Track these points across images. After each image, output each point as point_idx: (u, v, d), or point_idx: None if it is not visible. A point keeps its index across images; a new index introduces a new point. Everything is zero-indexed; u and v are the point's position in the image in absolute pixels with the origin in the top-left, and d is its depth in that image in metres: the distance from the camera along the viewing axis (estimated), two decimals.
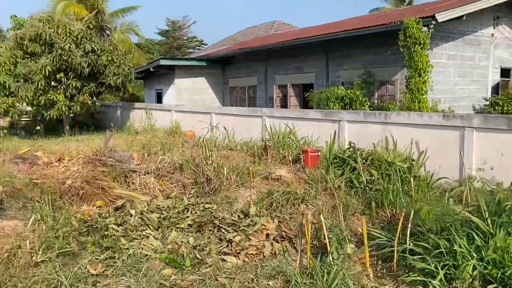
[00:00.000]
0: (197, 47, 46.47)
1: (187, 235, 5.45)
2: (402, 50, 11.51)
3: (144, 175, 9.55)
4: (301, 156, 8.37)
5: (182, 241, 5.18)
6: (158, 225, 5.70)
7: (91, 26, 15.55)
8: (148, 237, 5.43)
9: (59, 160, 10.39)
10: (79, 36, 14.41)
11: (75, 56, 14.05)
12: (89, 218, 6.38)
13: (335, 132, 8.15)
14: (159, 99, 22.72)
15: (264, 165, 9.24)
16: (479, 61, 14.32)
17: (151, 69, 20.32)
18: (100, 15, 24.55)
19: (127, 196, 8.42)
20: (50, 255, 4.40)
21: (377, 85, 14.16)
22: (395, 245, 4.37)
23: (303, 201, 6.28)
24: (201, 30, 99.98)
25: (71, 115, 16.06)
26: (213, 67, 21.52)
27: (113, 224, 5.87)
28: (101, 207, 7.88)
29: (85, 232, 5.72)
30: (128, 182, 9.29)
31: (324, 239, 4.67)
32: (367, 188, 6.38)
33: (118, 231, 5.69)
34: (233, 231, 5.47)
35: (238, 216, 6.28)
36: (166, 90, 21.65)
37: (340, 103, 13.32)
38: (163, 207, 6.89)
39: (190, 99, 20.77)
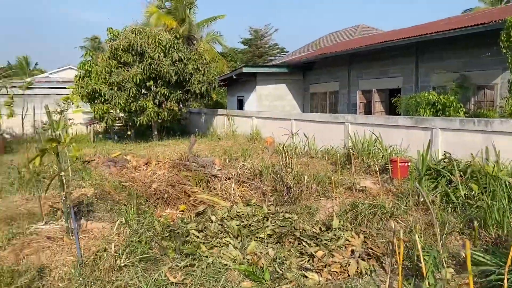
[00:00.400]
0: (278, 55, 46.74)
1: (267, 246, 5.25)
2: (504, 51, 10.34)
3: (225, 180, 9.61)
4: (389, 166, 7.80)
5: (261, 252, 4.99)
6: (237, 233, 5.58)
7: (178, 36, 16.17)
8: (227, 245, 5.33)
9: (146, 164, 10.86)
10: (167, 46, 15.08)
11: (164, 64, 14.70)
12: (171, 222, 6.47)
13: (429, 141, 7.48)
14: (240, 106, 23.07)
15: (347, 174, 8.80)
16: None
17: (234, 77, 20.70)
18: (188, 26, 25.61)
19: (208, 201, 8.50)
20: (133, 259, 4.44)
21: (473, 90, 12.94)
22: (505, 273, 3.75)
23: (392, 216, 5.78)
24: (283, 37, 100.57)
25: (159, 121, 16.83)
26: (294, 73, 21.36)
27: (194, 230, 5.87)
28: (183, 211, 8.02)
29: (167, 236, 5.78)
30: (210, 187, 9.40)
31: (418, 260, 4.18)
32: (465, 204, 5.69)
33: (198, 237, 5.67)
34: (314, 244, 5.16)
35: (320, 228, 5.95)
36: (248, 97, 21.91)
37: (432, 110, 12.36)
38: (243, 215, 6.78)
39: (270, 105, 20.80)
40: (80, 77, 15.52)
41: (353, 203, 6.34)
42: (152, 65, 14.71)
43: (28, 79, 27.23)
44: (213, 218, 6.36)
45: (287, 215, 6.51)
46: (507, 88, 10.66)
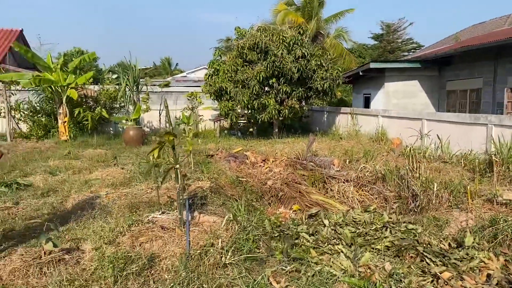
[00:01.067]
0: (412, 50, 43.65)
1: (383, 259, 4.68)
2: None
3: (343, 182, 9.12)
4: None
5: (376, 266, 4.45)
6: (351, 242, 5.11)
7: (302, 32, 15.97)
8: (339, 253, 4.91)
9: (264, 160, 10.90)
10: (291, 42, 15.01)
11: (286, 62, 14.66)
12: (282, 222, 6.27)
13: None
14: (366, 104, 22.01)
15: (487, 184, 7.58)
16: None
17: (360, 73, 19.80)
18: (316, 22, 25.34)
19: (323, 203, 8.13)
20: (239, 257, 4.32)
21: None
22: None
23: None
24: (419, 31, 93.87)
25: (280, 118, 16.91)
26: (428, 69, 19.54)
27: (305, 232, 5.57)
28: (297, 211, 7.79)
29: (276, 236, 5.59)
30: (326, 189, 9.00)
31: None
32: None
33: (309, 241, 5.35)
34: (440, 263, 4.43)
35: (449, 244, 5.14)
36: (375, 95, 20.77)
37: None
38: (360, 221, 6.25)
39: (399, 104, 19.39)
40: (209, 75, 16.36)
41: (493, 218, 5.35)
42: (275, 62, 14.77)
43: (169, 79, 29.99)
44: (326, 222, 5.97)
45: (410, 226, 5.80)
46: None
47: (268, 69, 14.82)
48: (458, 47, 17.26)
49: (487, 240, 5.04)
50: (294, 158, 10.88)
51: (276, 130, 17.28)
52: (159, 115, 19.73)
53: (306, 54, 15.13)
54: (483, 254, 4.65)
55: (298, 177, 9.43)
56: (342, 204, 8.43)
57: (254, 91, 14.80)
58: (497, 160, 7.84)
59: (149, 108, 17.50)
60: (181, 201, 4.81)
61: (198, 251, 4.27)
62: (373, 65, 18.53)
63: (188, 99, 18.82)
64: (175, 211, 5.42)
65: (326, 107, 20.61)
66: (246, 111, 16.71)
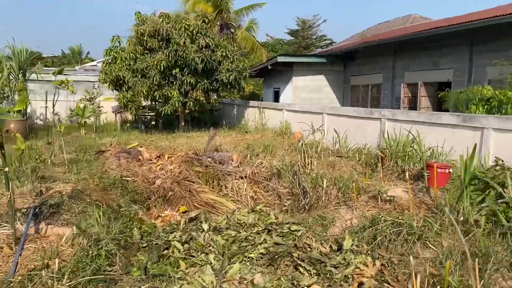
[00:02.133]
0: (325, 47, 44.97)
1: (255, 270, 4.20)
2: None
3: (239, 179, 8.65)
4: (425, 173, 6.47)
5: (244, 279, 3.95)
6: (222, 250, 4.57)
7: (207, 21, 15.26)
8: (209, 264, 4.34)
9: (159, 157, 10.08)
10: (194, 31, 14.24)
11: (190, 51, 13.88)
12: (155, 229, 5.57)
13: (476, 144, 6.10)
14: (276, 98, 21.98)
15: (377, 179, 7.54)
16: None
17: (269, 67, 19.61)
18: (225, 13, 24.73)
19: (214, 202, 7.57)
20: (79, 281, 3.55)
21: None
22: None
23: (420, 238, 4.53)
24: (332, 29, 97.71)
25: (186, 111, 16.10)
26: (334, 64, 19.93)
27: (177, 241, 4.92)
28: (185, 212, 7.14)
29: (145, 247, 4.89)
30: (221, 186, 8.48)
31: None
32: None
33: (180, 251, 4.72)
34: (315, 272, 4.05)
35: (330, 247, 4.83)
36: (284, 89, 20.76)
37: (485, 107, 10.70)
38: (244, 223, 5.76)
39: (307, 98, 19.55)
40: (106, 63, 15.03)
41: (374, 217, 5.14)
42: (178, 52, 13.92)
43: (77, 67, 27.52)
44: (205, 226, 5.39)
45: (294, 227, 5.43)
46: None
47: (170, 58, 13.92)
48: (361, 43, 17.73)
49: (366, 241, 4.79)
50: (193, 154, 10.22)
51: (182, 123, 16.43)
52: (53, 107, 17.84)
53: (210, 44, 14.45)
54: (360, 258, 4.37)
55: (193, 175, 8.77)
56: (236, 203, 7.96)
57: (155, 81, 13.82)
58: (384, 155, 7.84)
59: (26, 99, 15.52)
60: (13, 212, 3.90)
61: (19, 278, 3.42)
62: (280, 59, 18.41)
63: (59, 87, 16.81)
64: (17, 223, 4.47)
65: (236, 100, 20.17)
66: (149, 103, 15.64)
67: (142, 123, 17.41)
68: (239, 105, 19.92)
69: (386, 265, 4.25)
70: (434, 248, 4.42)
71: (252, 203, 7.78)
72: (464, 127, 7.65)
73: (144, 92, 13.65)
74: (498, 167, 5.98)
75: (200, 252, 4.69)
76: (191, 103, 14.73)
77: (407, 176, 6.06)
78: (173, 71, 14.40)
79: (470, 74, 13.26)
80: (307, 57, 20.93)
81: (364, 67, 18.76)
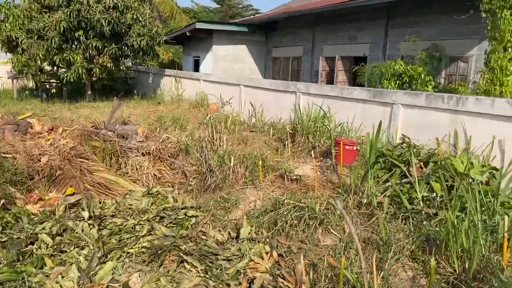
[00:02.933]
0: (252, 16, 44.10)
1: (134, 268, 3.58)
2: (484, 15, 8.78)
3: (142, 156, 7.87)
4: (333, 150, 6.22)
5: (117, 281, 3.32)
6: (97, 244, 3.87)
7: None
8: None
9: (51, 130, 8.91)
10: None
11: (95, 12, 12.45)
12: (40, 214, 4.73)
13: (380, 122, 5.92)
14: (196, 67, 20.99)
15: (287, 156, 7.20)
16: None
17: (187, 33, 18.49)
18: None
19: (109, 183, 6.76)
20: None
21: (445, 62, 11.45)
22: None
23: (322, 223, 4.20)
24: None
25: (93, 78, 14.67)
26: (256, 34, 19.34)
27: (46, 233, 4.13)
28: (73, 195, 6.28)
29: (5, 241, 4.05)
30: (120, 164, 7.65)
31: None
32: (423, 213, 4.16)
33: (48, 246, 3.95)
34: (202, 269, 3.53)
35: (229, 233, 4.35)
36: (204, 57, 19.83)
37: (397, 82, 10.85)
38: (136, 209, 5.09)
39: (227, 68, 18.84)
40: None
41: (277, 199, 4.73)
42: (81, 12, 12.44)
43: None
44: (85, 214, 4.62)
45: (191, 212, 4.86)
46: (483, 61, 9.16)
47: (72, 18, 12.41)
48: (282, 13, 17.29)
49: (267, 227, 4.37)
50: (92, 127, 9.18)
51: (89, 92, 14.99)
52: None
53: (119, 5, 13.11)
54: (258, 247, 3.93)
55: (88, 151, 7.82)
56: (136, 183, 7.22)
57: (53, 44, 12.26)
58: (295, 130, 7.52)
59: None
60: None
61: None
62: (199, 26, 17.39)
63: None
64: None
65: (152, 68, 18.92)
66: (50, 69, 13.97)
67: (44, 91, 15.63)
68: (155, 74, 18.70)
69: (284, 255, 3.86)
70: (336, 234, 4.11)
71: (154, 183, 7.10)
72: (374, 103, 7.52)
73: (41, 55, 12.08)
74: (404, 144, 5.87)
75: (74, 246, 3.96)
76: (97, 69, 13.39)
77: (315, 153, 5.71)
78: (76, 34, 12.89)
79: (385, 50, 13.41)
80: (227, 25, 20.06)
81: (286, 38, 18.41)
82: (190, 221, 4.63)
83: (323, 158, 6.57)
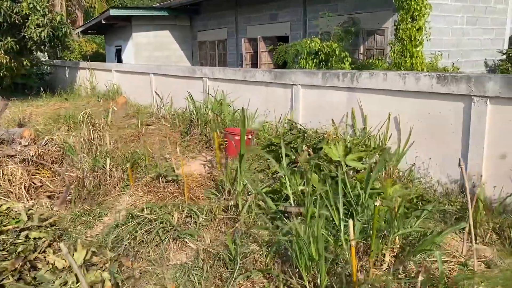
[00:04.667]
0: None
1: None
2: None
3: (22, 162, 6.87)
4: (222, 141, 5.56)
5: None
6: None
7: None
8: None
9: None
10: None
11: None
12: None
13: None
14: (119, 57, 19.67)
15: (185, 150, 6.47)
16: (495, 4, 11.08)
17: (103, 21, 17.13)
18: None
19: None
20: None
21: (363, 36, 11.08)
22: None
23: (180, 236, 3.52)
24: None
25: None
26: (180, 18, 18.29)
27: None
28: None
29: None
30: None
31: None
32: (291, 215, 3.57)
33: None
34: None
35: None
36: (125, 46, 18.57)
37: (314, 60, 10.34)
38: None
39: (151, 57, 17.72)
40: None
41: (129, 212, 3.99)
42: None
43: None
44: None
45: (34, 234, 4.04)
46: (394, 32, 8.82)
47: None
48: None
49: (113, 246, 3.63)
50: None
51: None
52: None
53: None
54: (93, 275, 3.21)
55: None
56: (9, 196, 6.25)
57: None
58: (194, 120, 6.81)
59: None
60: None
61: None
62: (114, 12, 16.09)
63: None
64: None
65: (67, 62, 17.47)
66: None
67: None
68: (71, 67, 17.27)
69: (123, 283, 3.15)
70: (193, 246, 3.45)
71: (31, 194, 6.15)
72: (276, 85, 6.91)
73: None
74: (293, 130, 5.30)
75: None
76: None
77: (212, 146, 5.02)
78: None
79: (305, 28, 12.89)
80: (146, 9, 18.86)
81: (210, 21, 17.50)
82: (30, 245, 3.82)
83: (221, 151, 5.90)
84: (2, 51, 12.06)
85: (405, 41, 8.10)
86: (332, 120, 5.75)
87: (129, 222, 3.70)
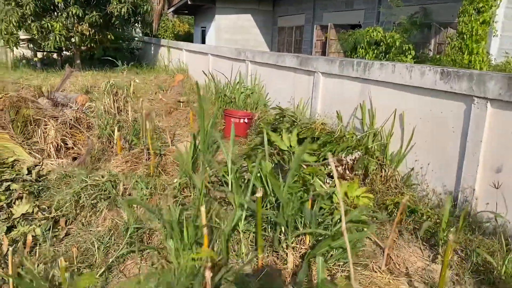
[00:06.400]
0: None
1: None
2: None
3: (60, 124, 7.51)
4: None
5: None
6: None
7: None
8: None
9: None
10: None
11: None
12: None
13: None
14: (203, 38, 20.37)
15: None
16: None
17: (189, 2, 17.82)
18: None
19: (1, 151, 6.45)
20: None
21: (434, 29, 10.01)
22: None
23: (115, 205, 3.56)
24: None
25: (83, 48, 14.53)
26: (263, 3, 18.29)
27: None
28: None
29: None
30: (33, 132, 7.35)
31: None
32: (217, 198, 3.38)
33: None
34: None
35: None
36: (209, 28, 19.14)
37: (375, 51, 9.66)
38: None
39: (230, 40, 18.02)
40: None
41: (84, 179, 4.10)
42: None
43: None
44: None
45: (14, 186, 4.39)
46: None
47: None
48: None
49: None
50: (31, 93, 8.95)
51: (78, 61, 14.91)
52: None
53: None
54: (23, 229, 3.40)
55: (7, 119, 7.59)
56: (39, 153, 6.88)
57: (28, 10, 12.13)
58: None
59: None
60: None
61: None
62: None
63: None
64: None
65: (153, 39, 18.57)
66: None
67: (41, 60, 15.80)
68: (155, 44, 18.34)
69: (46, 239, 3.29)
70: (125, 217, 3.46)
71: (61, 153, 6.72)
72: (302, 71, 6.57)
73: (14, 22, 12.00)
74: (286, 118, 5.00)
75: None
76: (77, 38, 13.16)
77: None
78: (55, 0, 12.69)
79: (378, 17, 12.04)
80: None
81: (291, 7, 17.23)
82: (4, 195, 4.17)
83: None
84: (87, 24, 13.19)
85: (465, 35, 7.12)
86: (337, 111, 5.32)
87: (82, 186, 3.82)
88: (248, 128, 5.43)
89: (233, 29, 18.21)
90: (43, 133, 7.17)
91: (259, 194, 2.35)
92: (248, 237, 2.89)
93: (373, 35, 9.53)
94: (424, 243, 3.45)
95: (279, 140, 3.58)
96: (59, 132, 7.18)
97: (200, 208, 2.12)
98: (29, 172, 5.17)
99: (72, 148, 7.07)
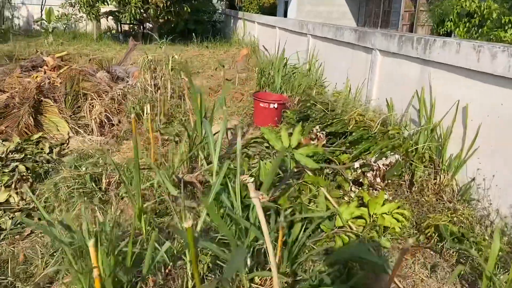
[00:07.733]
0: None
1: None
2: None
3: (111, 100, 7.43)
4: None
5: None
6: None
7: None
8: None
9: (54, 68, 9.02)
10: None
11: None
12: None
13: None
14: (286, 11, 19.41)
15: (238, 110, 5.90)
16: None
17: None
18: None
19: (48, 124, 6.52)
20: None
21: None
22: None
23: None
24: None
25: (160, 20, 14.58)
26: None
27: None
28: None
29: None
30: (80, 106, 7.35)
31: None
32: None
33: None
34: None
35: None
36: (291, 0, 18.14)
37: (467, 24, 8.16)
38: None
39: (312, 11, 16.91)
40: None
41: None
42: None
43: None
44: None
45: (21, 168, 4.23)
46: None
47: None
48: None
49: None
50: (93, 67, 9.04)
51: (156, 34, 15.02)
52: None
53: None
54: None
55: (62, 91, 7.68)
56: (82, 128, 6.85)
57: None
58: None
59: None
60: None
61: None
62: None
63: None
64: None
65: (232, 12, 18.13)
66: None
67: (124, 32, 16.29)
68: (234, 17, 17.88)
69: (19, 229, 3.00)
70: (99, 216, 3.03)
71: (101, 130, 6.64)
72: (359, 48, 5.58)
73: None
74: (316, 106, 4.14)
75: None
76: (152, 10, 13.17)
77: None
78: None
79: None
80: None
81: None
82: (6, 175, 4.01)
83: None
84: None
85: None
86: (386, 100, 4.32)
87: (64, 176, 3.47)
88: (281, 115, 4.68)
89: (316, 0, 17.02)
90: (89, 108, 7.11)
91: (187, 223, 1.70)
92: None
93: (465, 5, 7.99)
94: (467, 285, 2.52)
95: (274, 138, 2.82)
96: (104, 108, 7.07)
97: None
98: (51, 151, 5.04)
99: (117, 125, 6.92)
